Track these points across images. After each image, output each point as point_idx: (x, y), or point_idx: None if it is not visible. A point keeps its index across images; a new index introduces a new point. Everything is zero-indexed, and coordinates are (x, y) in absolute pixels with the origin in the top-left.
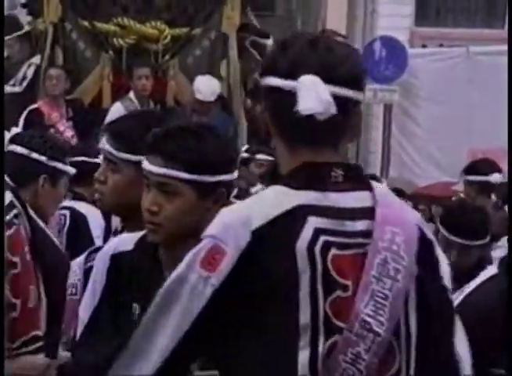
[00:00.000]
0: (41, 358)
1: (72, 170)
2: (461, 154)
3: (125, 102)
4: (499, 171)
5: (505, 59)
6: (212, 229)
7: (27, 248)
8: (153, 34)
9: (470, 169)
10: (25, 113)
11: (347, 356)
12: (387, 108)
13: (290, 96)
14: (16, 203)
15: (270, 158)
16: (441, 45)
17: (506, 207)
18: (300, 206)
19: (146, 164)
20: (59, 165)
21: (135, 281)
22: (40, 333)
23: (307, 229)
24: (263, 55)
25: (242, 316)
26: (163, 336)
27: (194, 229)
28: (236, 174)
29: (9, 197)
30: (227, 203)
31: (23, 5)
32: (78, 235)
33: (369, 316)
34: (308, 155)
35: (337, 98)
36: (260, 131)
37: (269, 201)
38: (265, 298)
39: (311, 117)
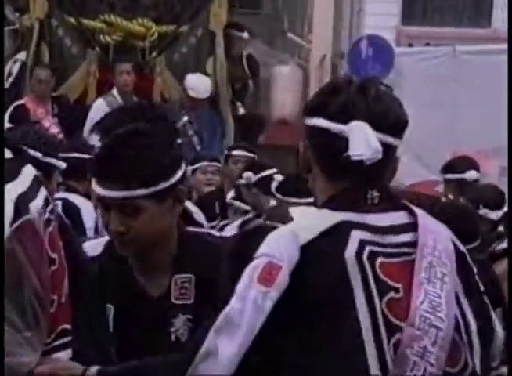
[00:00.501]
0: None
1: (63, 165)
2: (446, 153)
3: (108, 98)
4: (476, 168)
5: (491, 58)
6: (264, 247)
7: (61, 243)
8: (139, 31)
9: (448, 167)
10: (10, 109)
11: (414, 349)
12: None
13: (338, 139)
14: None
15: (247, 154)
16: (427, 44)
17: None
18: (343, 222)
19: (101, 190)
20: (53, 161)
21: (107, 283)
22: (69, 326)
23: (352, 241)
24: (240, 48)
25: (302, 324)
26: (228, 353)
27: (165, 232)
28: (183, 167)
29: (44, 193)
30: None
31: (10, 1)
32: (71, 225)
33: (428, 312)
34: (348, 185)
35: (381, 144)
36: (247, 130)
37: (313, 219)
38: (322, 305)
39: (359, 161)
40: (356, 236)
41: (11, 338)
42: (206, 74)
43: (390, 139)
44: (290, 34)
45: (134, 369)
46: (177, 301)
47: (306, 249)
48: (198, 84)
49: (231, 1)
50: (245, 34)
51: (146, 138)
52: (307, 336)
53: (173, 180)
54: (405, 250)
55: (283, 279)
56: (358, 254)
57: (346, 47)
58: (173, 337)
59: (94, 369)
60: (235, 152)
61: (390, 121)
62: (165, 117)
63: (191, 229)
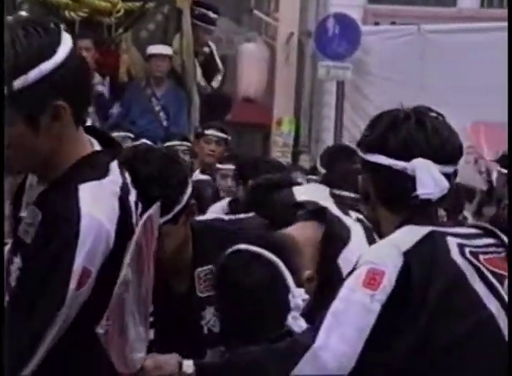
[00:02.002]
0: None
1: None
2: None
3: None
4: None
5: (457, 37)
6: (366, 256)
7: None
8: (105, 8)
9: None
10: None
11: None
12: (340, 85)
13: (402, 176)
14: None
15: (220, 134)
16: (393, 23)
17: None
18: (433, 231)
19: None
20: None
21: None
22: None
23: (452, 244)
24: (211, 29)
25: (425, 322)
26: (340, 353)
27: (182, 243)
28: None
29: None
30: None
31: None
32: None
33: None
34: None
35: (443, 175)
36: (213, 107)
37: (403, 233)
38: (443, 303)
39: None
40: (452, 241)
41: (134, 334)
42: (174, 52)
43: (450, 169)
44: (256, 12)
45: (236, 356)
46: (202, 294)
47: (409, 255)
48: (158, 47)
49: None
50: (216, 16)
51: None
52: (433, 334)
53: (184, 201)
54: (493, 249)
55: (387, 283)
56: (463, 254)
57: (313, 25)
58: (205, 329)
59: (189, 363)
60: (208, 131)
61: (448, 152)
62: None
63: (200, 220)
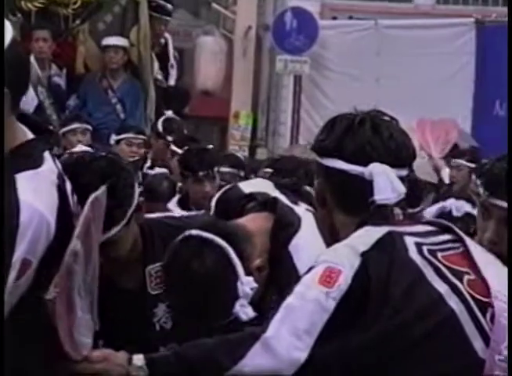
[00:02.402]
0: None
1: None
2: None
3: None
4: None
5: (413, 33)
6: (324, 256)
7: None
8: None
9: None
10: None
11: (504, 317)
12: (297, 79)
13: (358, 180)
14: None
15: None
16: (350, 18)
17: None
18: (391, 232)
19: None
20: None
21: None
22: None
23: (409, 244)
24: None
25: (382, 321)
26: (287, 348)
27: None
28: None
29: None
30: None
31: None
32: None
33: (499, 286)
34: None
35: (399, 178)
36: (171, 101)
37: (361, 235)
38: (403, 301)
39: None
40: (410, 240)
41: (81, 316)
42: (130, 43)
43: (404, 172)
44: (214, 5)
45: (186, 347)
46: (154, 292)
47: (366, 255)
48: (113, 39)
49: None
50: (170, 6)
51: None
52: (389, 332)
53: (135, 201)
54: (450, 245)
55: (343, 282)
56: (421, 252)
57: (271, 19)
58: (157, 326)
59: (139, 356)
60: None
61: (404, 156)
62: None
63: (149, 217)
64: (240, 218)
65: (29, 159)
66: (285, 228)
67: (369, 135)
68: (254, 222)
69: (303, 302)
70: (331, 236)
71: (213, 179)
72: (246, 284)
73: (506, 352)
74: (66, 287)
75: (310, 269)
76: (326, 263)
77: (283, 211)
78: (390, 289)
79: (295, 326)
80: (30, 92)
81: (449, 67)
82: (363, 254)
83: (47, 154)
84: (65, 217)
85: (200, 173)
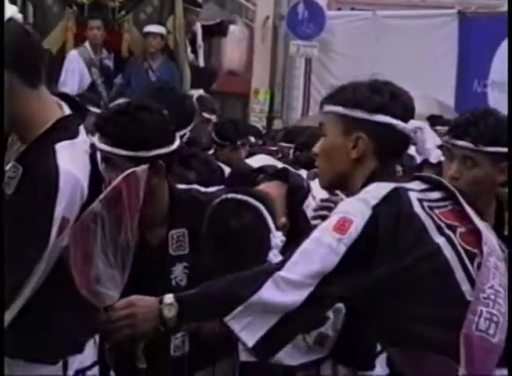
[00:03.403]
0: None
1: None
2: None
3: (80, 49)
4: None
5: (406, 22)
6: (339, 208)
7: None
8: None
9: None
10: None
11: (491, 263)
12: (308, 61)
13: (399, 133)
14: None
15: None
16: (353, 9)
17: None
18: (397, 187)
19: (97, 142)
20: None
21: None
22: None
23: (413, 199)
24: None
25: (390, 264)
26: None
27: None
28: (173, 146)
29: None
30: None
31: None
32: None
33: (488, 236)
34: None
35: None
36: (201, 79)
37: (372, 189)
38: (407, 247)
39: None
40: (413, 196)
41: (104, 271)
42: (167, 31)
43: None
44: None
45: (209, 285)
46: (174, 253)
47: (377, 208)
48: (153, 27)
49: None
50: (199, 3)
51: (141, 112)
52: (392, 272)
53: (153, 153)
54: (443, 203)
55: (354, 230)
56: (423, 208)
57: (285, 10)
58: (173, 282)
59: (169, 295)
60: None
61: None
62: (173, 105)
63: (181, 187)
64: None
65: (67, 131)
66: (297, 191)
67: (408, 98)
68: (270, 190)
69: (317, 246)
70: (339, 184)
71: (245, 147)
72: (277, 237)
73: (490, 292)
74: (80, 241)
75: (326, 217)
76: (340, 213)
77: (293, 178)
78: (396, 238)
79: (307, 267)
80: (85, 72)
81: (436, 51)
82: (374, 207)
83: (81, 127)
84: (96, 181)
85: (238, 142)
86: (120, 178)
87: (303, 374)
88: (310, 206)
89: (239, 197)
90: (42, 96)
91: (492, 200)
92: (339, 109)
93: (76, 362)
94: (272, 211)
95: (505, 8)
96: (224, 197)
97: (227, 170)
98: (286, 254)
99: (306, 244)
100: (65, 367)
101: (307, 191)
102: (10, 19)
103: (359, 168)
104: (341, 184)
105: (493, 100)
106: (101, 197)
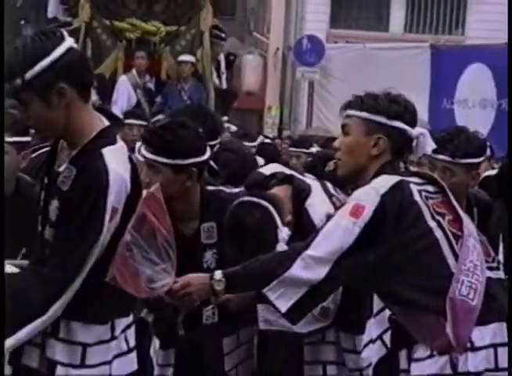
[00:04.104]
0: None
1: None
2: None
3: (128, 75)
4: None
5: (389, 53)
6: (354, 195)
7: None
8: (152, 30)
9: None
10: None
11: (470, 243)
12: (311, 84)
13: (408, 137)
14: None
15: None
16: (347, 42)
17: None
18: (401, 180)
19: (143, 151)
20: None
21: None
22: None
23: (414, 189)
24: (222, 44)
25: (394, 241)
26: (325, 254)
27: (179, 194)
28: (205, 156)
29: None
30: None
31: (65, 9)
32: None
33: (469, 223)
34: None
35: None
36: (224, 98)
37: (381, 180)
38: (407, 228)
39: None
40: (414, 187)
41: (152, 270)
42: (197, 59)
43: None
44: (254, 33)
45: (251, 264)
46: (205, 241)
47: (385, 196)
48: (185, 56)
49: (214, 10)
50: (223, 37)
51: (180, 127)
52: (396, 249)
53: (188, 161)
54: (435, 195)
55: (366, 214)
56: (421, 197)
57: (292, 43)
58: (205, 265)
59: (218, 272)
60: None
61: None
62: (204, 122)
63: (210, 188)
64: (267, 191)
65: (108, 138)
66: (301, 193)
67: (414, 108)
68: (279, 193)
69: (336, 228)
70: (352, 178)
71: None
72: (284, 232)
73: (470, 265)
74: (123, 267)
75: (344, 203)
76: (355, 200)
77: (297, 182)
78: (399, 220)
79: (329, 245)
80: (132, 93)
81: (413, 76)
82: (383, 196)
83: (118, 135)
84: (134, 177)
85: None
86: (140, 202)
87: (310, 340)
88: (312, 204)
89: (253, 199)
90: (89, 110)
91: (464, 198)
92: (364, 114)
93: (122, 324)
94: (279, 211)
95: (467, 42)
96: (241, 199)
97: None
98: (311, 235)
99: (328, 226)
100: (112, 327)
101: (308, 192)
102: (71, 48)
103: (375, 163)
104: (357, 174)
105: (458, 115)
106: (129, 227)
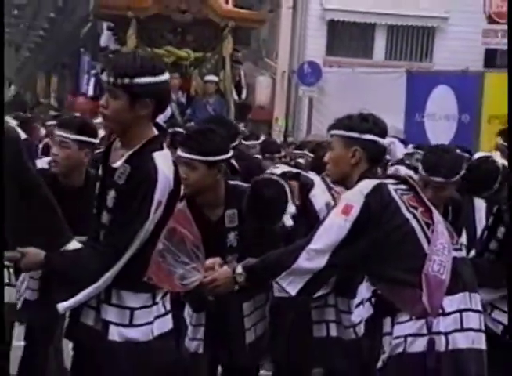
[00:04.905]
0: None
1: None
2: None
3: None
4: None
5: (373, 77)
6: (344, 196)
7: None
8: (184, 56)
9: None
10: None
11: (439, 229)
12: (310, 100)
13: (380, 146)
14: None
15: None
16: (340, 67)
17: None
18: (380, 182)
19: (179, 152)
20: None
21: None
22: None
23: (391, 190)
24: (240, 67)
25: (379, 231)
26: (325, 247)
27: (210, 186)
28: (229, 154)
29: None
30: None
31: (115, 39)
32: None
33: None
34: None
35: None
36: (241, 111)
37: (364, 183)
38: (388, 221)
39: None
40: (391, 187)
41: (184, 269)
42: (220, 80)
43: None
44: (266, 59)
45: (265, 258)
46: (229, 225)
47: (368, 196)
48: (210, 76)
49: (234, 41)
50: (240, 61)
51: (210, 131)
52: (380, 238)
53: (217, 158)
54: (407, 192)
55: (355, 212)
56: (397, 195)
57: (296, 67)
58: (228, 244)
59: (239, 266)
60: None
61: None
62: (227, 129)
63: (232, 182)
64: None
65: (157, 145)
66: (306, 186)
67: (383, 123)
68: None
69: (332, 224)
70: (341, 180)
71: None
72: (291, 207)
73: (440, 246)
74: (157, 270)
75: (336, 204)
76: (345, 201)
77: (303, 178)
78: (382, 215)
79: (327, 239)
80: (168, 106)
81: (392, 95)
82: (367, 196)
83: (164, 143)
84: (176, 177)
85: (276, 154)
86: (171, 220)
87: (316, 304)
88: (315, 195)
89: (270, 177)
90: (149, 121)
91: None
92: (341, 132)
93: (160, 292)
94: (291, 190)
95: (435, 68)
96: (260, 177)
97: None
98: (312, 231)
99: (325, 224)
100: (153, 296)
101: (312, 186)
102: (166, 80)
103: (356, 170)
104: (344, 180)
105: (428, 126)
106: (162, 237)
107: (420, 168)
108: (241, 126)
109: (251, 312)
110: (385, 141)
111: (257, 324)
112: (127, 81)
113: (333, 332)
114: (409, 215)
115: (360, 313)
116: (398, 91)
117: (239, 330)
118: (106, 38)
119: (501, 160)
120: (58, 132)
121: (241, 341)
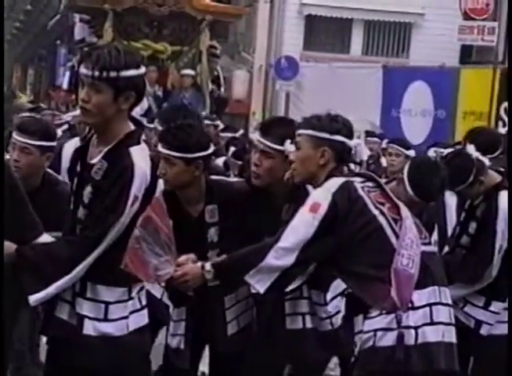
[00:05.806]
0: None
1: None
2: None
3: None
4: None
5: (349, 71)
6: (312, 195)
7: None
8: (161, 50)
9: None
10: None
11: (407, 223)
12: (287, 94)
13: (347, 147)
14: None
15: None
16: (316, 62)
17: None
18: (347, 180)
19: (160, 148)
20: None
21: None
22: None
23: (358, 187)
24: (217, 61)
25: (346, 229)
26: (291, 246)
27: (189, 182)
28: (209, 151)
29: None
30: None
31: (92, 32)
32: None
33: (404, 209)
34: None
35: None
36: (218, 105)
37: (331, 182)
38: (356, 217)
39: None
40: (358, 185)
41: (159, 262)
42: (196, 73)
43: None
44: (243, 53)
45: (233, 256)
46: (209, 220)
47: (335, 194)
48: (187, 70)
49: (211, 34)
50: (217, 55)
51: (189, 128)
52: (348, 235)
53: (195, 155)
54: (374, 189)
55: (322, 210)
56: (364, 192)
57: (273, 61)
58: (209, 240)
59: (208, 263)
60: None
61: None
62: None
63: (213, 177)
64: None
65: (134, 140)
66: None
67: (350, 124)
68: None
69: (300, 222)
70: (311, 179)
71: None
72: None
73: (408, 241)
74: (134, 257)
75: (305, 202)
76: (313, 199)
77: None
78: (349, 213)
79: (295, 237)
80: (144, 100)
81: (369, 90)
82: (334, 194)
83: (141, 138)
84: (153, 172)
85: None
86: (148, 208)
87: (291, 296)
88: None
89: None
90: (126, 115)
91: None
92: (310, 132)
93: (136, 287)
94: None
95: (411, 63)
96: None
97: None
98: (280, 230)
99: (294, 222)
100: (129, 290)
101: None
102: (144, 72)
103: (323, 170)
104: (310, 180)
105: (404, 122)
106: (137, 224)
107: (409, 190)
108: (214, 118)
109: (233, 304)
110: (352, 142)
111: (239, 316)
112: (113, 74)
113: (309, 324)
114: (376, 212)
115: (337, 304)
116: (374, 86)
117: (219, 323)
118: (80, 30)
119: (475, 154)
120: (19, 138)
121: (222, 333)
